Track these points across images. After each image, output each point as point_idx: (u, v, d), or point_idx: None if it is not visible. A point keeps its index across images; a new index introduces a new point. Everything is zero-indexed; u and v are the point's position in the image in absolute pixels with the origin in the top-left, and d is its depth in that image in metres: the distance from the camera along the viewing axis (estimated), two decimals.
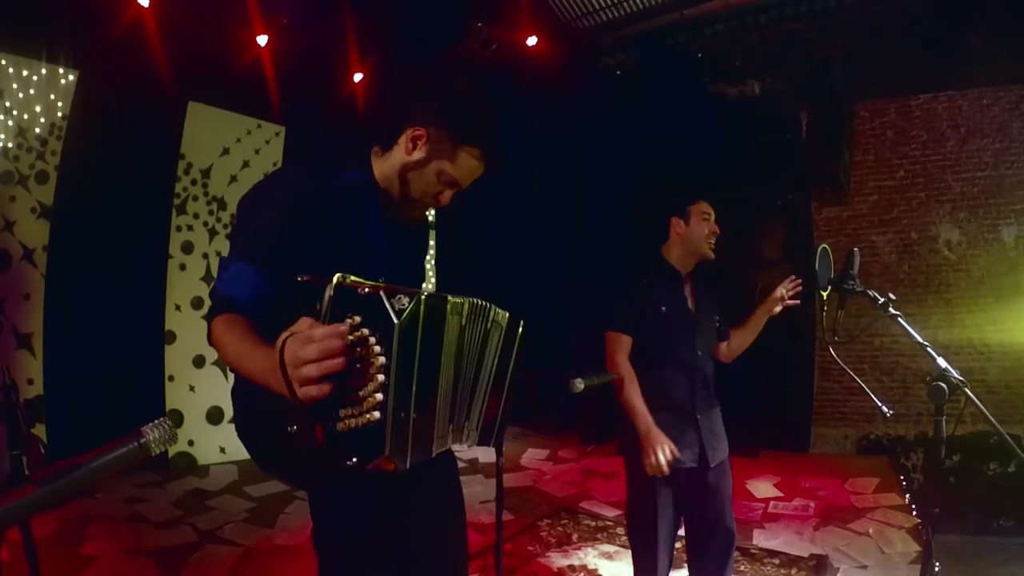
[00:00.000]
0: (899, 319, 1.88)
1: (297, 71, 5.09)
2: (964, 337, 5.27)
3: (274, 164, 5.44)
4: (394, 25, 5.29)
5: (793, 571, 3.19)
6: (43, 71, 4.21)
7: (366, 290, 1.01)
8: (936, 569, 1.73)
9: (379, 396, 1.00)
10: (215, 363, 5.07)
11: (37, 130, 4.20)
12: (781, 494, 4.33)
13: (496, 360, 1.33)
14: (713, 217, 2.35)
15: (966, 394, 1.67)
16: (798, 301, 2.30)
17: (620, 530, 3.66)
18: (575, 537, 3.67)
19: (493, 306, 1.31)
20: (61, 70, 4.28)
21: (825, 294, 2.06)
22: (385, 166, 1.45)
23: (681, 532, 2.39)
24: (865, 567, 3.22)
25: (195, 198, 5.07)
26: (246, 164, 5.33)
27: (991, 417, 1.66)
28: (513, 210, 6.83)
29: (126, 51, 4.26)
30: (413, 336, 1.04)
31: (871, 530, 3.65)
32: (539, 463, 5.32)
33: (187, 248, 5.03)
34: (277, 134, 5.51)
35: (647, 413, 2.19)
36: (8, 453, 1.56)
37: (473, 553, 1.61)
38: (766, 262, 5.75)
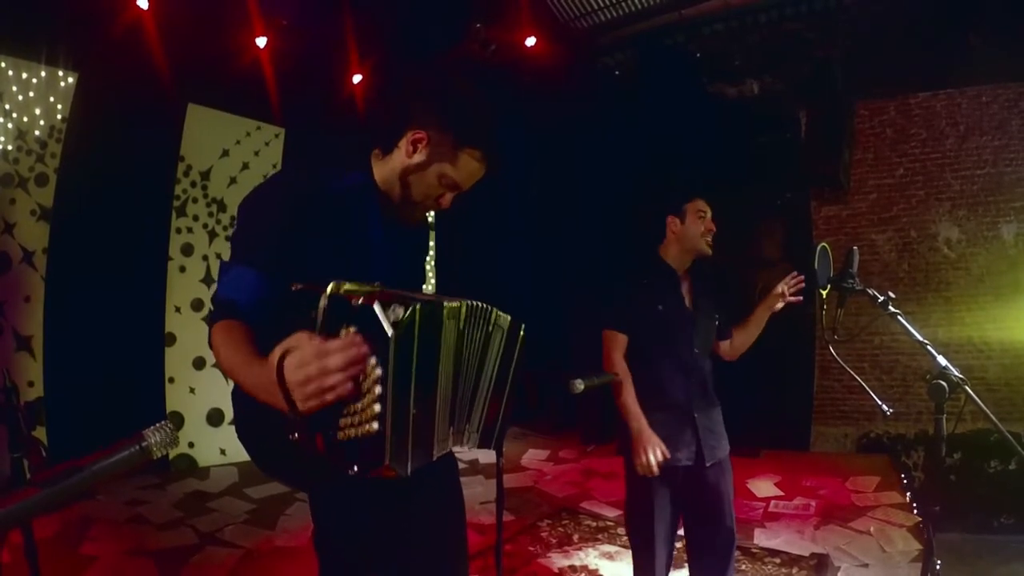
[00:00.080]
0: (899, 317, 1.89)
1: (297, 73, 5.10)
2: (964, 335, 5.27)
3: (274, 166, 5.44)
4: (394, 26, 5.29)
5: (794, 570, 3.19)
6: (42, 73, 4.22)
7: (360, 301, 1.00)
8: (937, 567, 1.73)
9: (377, 407, 0.99)
10: (215, 365, 5.05)
11: (37, 132, 4.20)
12: (782, 493, 4.33)
13: (498, 363, 1.33)
14: (709, 215, 2.35)
15: (966, 392, 1.67)
16: (800, 298, 2.29)
17: (621, 530, 3.66)
18: (576, 537, 3.67)
19: (495, 309, 1.31)
20: (61, 72, 4.28)
21: (825, 293, 2.06)
22: (386, 169, 1.45)
23: (682, 532, 2.39)
24: (866, 566, 3.22)
25: (195, 200, 5.07)
26: (246, 166, 5.33)
27: (991, 415, 1.66)
28: (513, 210, 6.83)
29: (125, 53, 4.27)
30: (409, 347, 1.03)
31: (872, 529, 3.65)
32: (539, 463, 5.32)
33: (187, 250, 5.03)
34: (277, 136, 5.51)
35: (640, 413, 2.19)
36: (9, 455, 1.56)
37: (473, 553, 1.61)
38: (766, 262, 5.75)
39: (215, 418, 5.01)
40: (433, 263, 6.38)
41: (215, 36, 4.61)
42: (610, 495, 4.25)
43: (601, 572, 3.23)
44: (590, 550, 3.48)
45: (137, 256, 4.68)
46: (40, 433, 3.96)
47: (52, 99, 4.27)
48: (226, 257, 1.32)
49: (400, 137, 1.41)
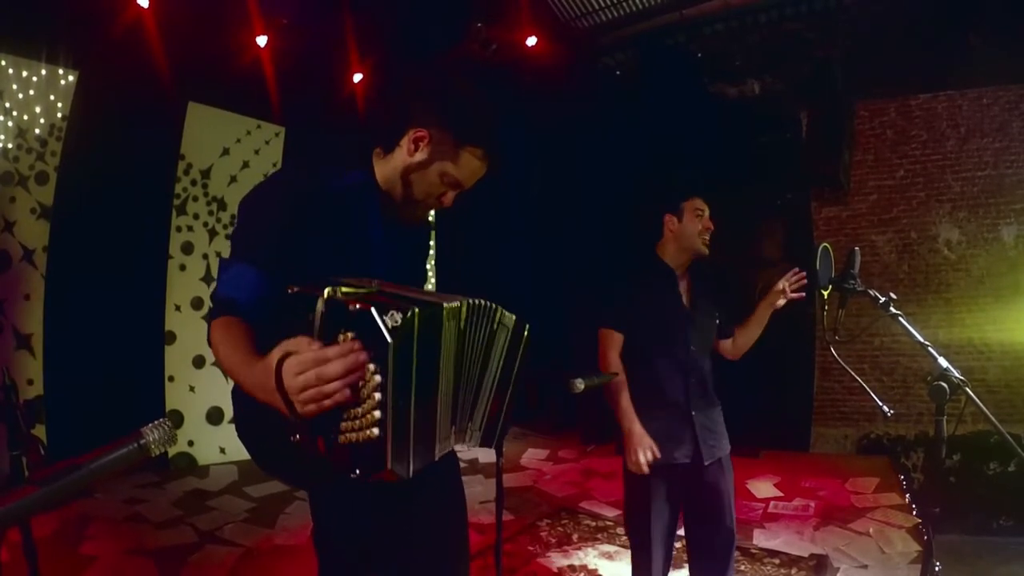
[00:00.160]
0: (900, 318, 1.89)
1: (297, 71, 5.09)
2: (964, 336, 5.27)
3: (274, 164, 5.44)
4: (394, 25, 5.29)
5: (793, 571, 3.19)
6: (43, 72, 4.21)
7: (357, 306, 1.00)
8: (936, 569, 1.73)
9: (377, 414, 0.99)
10: (215, 364, 5.06)
11: (37, 131, 4.20)
12: (781, 494, 4.33)
13: (502, 362, 1.33)
14: (707, 213, 2.35)
15: (967, 393, 1.67)
16: (803, 294, 2.28)
17: (620, 530, 3.66)
18: (575, 537, 3.67)
19: (500, 308, 1.30)
20: (61, 71, 4.28)
21: (826, 293, 2.06)
22: (387, 168, 1.45)
23: (682, 532, 2.39)
24: (865, 567, 3.22)
25: (195, 198, 5.07)
26: (246, 164, 5.33)
27: (991, 416, 1.66)
28: (513, 210, 6.83)
29: (126, 52, 4.26)
30: (408, 353, 1.03)
31: (871, 530, 3.65)
32: (539, 463, 5.32)
33: (187, 248, 5.03)
34: (277, 134, 5.51)
35: (632, 412, 2.19)
36: (8, 454, 1.56)
37: (473, 553, 1.61)
38: (766, 262, 5.75)
39: (215, 416, 5.01)
40: (433, 263, 6.37)
41: (215, 35, 4.61)
42: (610, 495, 4.25)
43: (600, 572, 3.22)
44: (589, 550, 3.48)
45: (137, 254, 4.68)
46: (39, 431, 3.97)
47: (52, 97, 4.27)
48: (226, 255, 1.32)
49: (401, 136, 1.41)
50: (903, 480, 4.58)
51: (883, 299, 1.92)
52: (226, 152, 5.23)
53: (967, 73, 5.19)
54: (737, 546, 2.38)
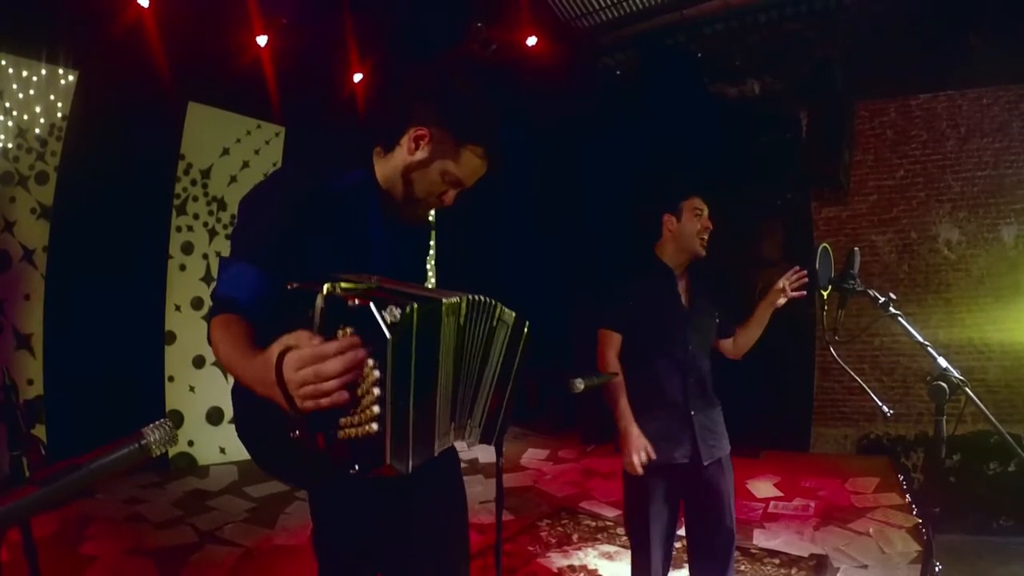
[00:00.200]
0: (899, 318, 1.88)
1: (297, 71, 5.09)
2: (964, 336, 5.27)
3: (274, 164, 5.44)
4: (394, 25, 5.29)
5: (793, 571, 3.19)
6: (43, 72, 4.21)
7: (355, 302, 1.00)
8: (937, 569, 1.73)
9: (376, 409, 0.99)
10: (215, 364, 5.07)
11: (37, 131, 4.20)
12: (781, 494, 4.33)
13: (501, 358, 1.33)
14: (706, 213, 2.34)
15: (966, 393, 1.67)
16: (803, 292, 2.28)
17: (620, 530, 3.66)
18: (575, 537, 3.67)
19: (499, 304, 1.30)
20: (61, 71, 4.28)
21: (826, 293, 2.06)
22: (388, 167, 1.45)
23: (682, 532, 2.39)
24: (865, 567, 3.22)
25: (195, 198, 5.07)
26: (246, 164, 5.33)
27: (991, 416, 1.66)
28: (513, 210, 6.83)
29: (126, 51, 4.26)
30: (407, 347, 1.03)
31: (871, 530, 3.65)
32: (539, 463, 5.32)
33: (187, 248, 5.03)
34: (277, 134, 5.51)
35: (629, 413, 2.20)
36: (8, 454, 1.56)
37: (473, 553, 1.60)
38: (766, 262, 5.75)
39: (215, 416, 5.01)
40: (433, 263, 6.37)
41: (215, 35, 4.61)
42: (610, 495, 4.25)
43: (600, 572, 3.22)
44: (589, 550, 3.48)
45: (137, 254, 4.68)
46: (40, 431, 3.96)
47: (52, 97, 4.27)
48: (226, 255, 1.32)
49: (402, 135, 1.41)
50: (903, 480, 4.58)
51: (883, 299, 1.92)
52: (226, 152, 5.23)
53: (967, 73, 5.19)
54: (737, 546, 2.38)
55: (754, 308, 2.39)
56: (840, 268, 2.04)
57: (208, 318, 1.26)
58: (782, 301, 2.29)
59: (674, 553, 2.36)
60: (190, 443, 4.87)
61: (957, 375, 1.69)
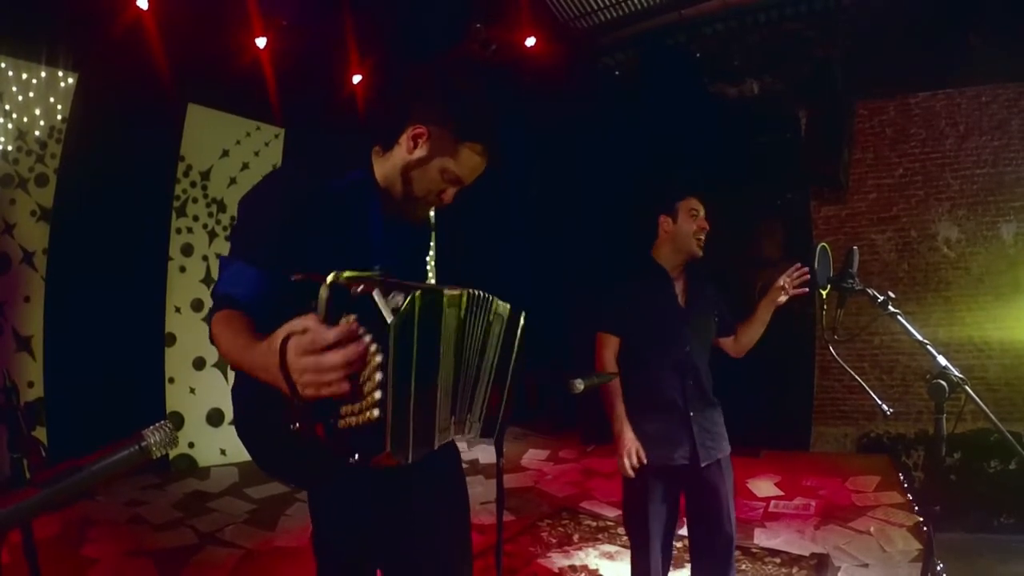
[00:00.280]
0: (899, 317, 1.88)
1: (296, 72, 5.09)
2: (964, 335, 5.27)
3: (273, 166, 5.44)
4: (394, 25, 5.29)
5: (794, 570, 3.19)
6: (43, 74, 4.21)
7: (359, 289, 1.01)
8: (938, 567, 1.73)
9: (378, 394, 1.00)
10: (215, 365, 5.07)
11: (37, 133, 4.20)
12: (782, 493, 4.33)
13: (498, 352, 1.33)
14: (702, 213, 2.34)
15: (966, 392, 1.67)
16: (806, 289, 2.28)
17: (621, 530, 3.66)
18: (576, 537, 3.67)
19: (494, 298, 1.31)
20: (61, 73, 4.28)
21: (825, 293, 2.06)
22: (387, 165, 1.45)
23: (684, 531, 2.39)
24: (866, 565, 3.22)
25: (195, 200, 5.07)
26: (246, 166, 5.33)
27: (991, 415, 1.66)
28: (513, 210, 6.83)
29: (125, 53, 4.27)
30: (409, 333, 1.04)
31: (872, 528, 3.65)
32: (540, 463, 5.32)
33: (187, 250, 5.03)
34: (277, 136, 5.52)
35: (623, 415, 2.21)
36: (9, 456, 1.56)
37: (474, 554, 1.60)
38: (766, 261, 5.75)
39: (215, 418, 5.01)
40: (433, 263, 6.37)
41: (215, 36, 4.61)
42: (610, 495, 4.25)
43: (601, 572, 3.22)
44: (590, 550, 3.48)
45: (137, 256, 4.68)
46: (40, 433, 3.96)
47: (52, 99, 4.27)
48: (226, 255, 1.32)
49: (400, 133, 1.42)
50: (903, 479, 4.58)
51: (882, 298, 1.92)
52: (226, 154, 5.23)
53: (966, 72, 5.19)
54: (738, 545, 2.38)
55: (755, 307, 2.39)
56: (839, 267, 2.04)
57: (209, 317, 1.27)
58: (783, 299, 2.29)
59: (676, 553, 2.36)
60: (190, 445, 4.87)
61: (957, 373, 1.69)
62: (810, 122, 5.58)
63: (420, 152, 1.40)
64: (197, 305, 5.01)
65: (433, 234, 6.18)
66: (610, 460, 2.29)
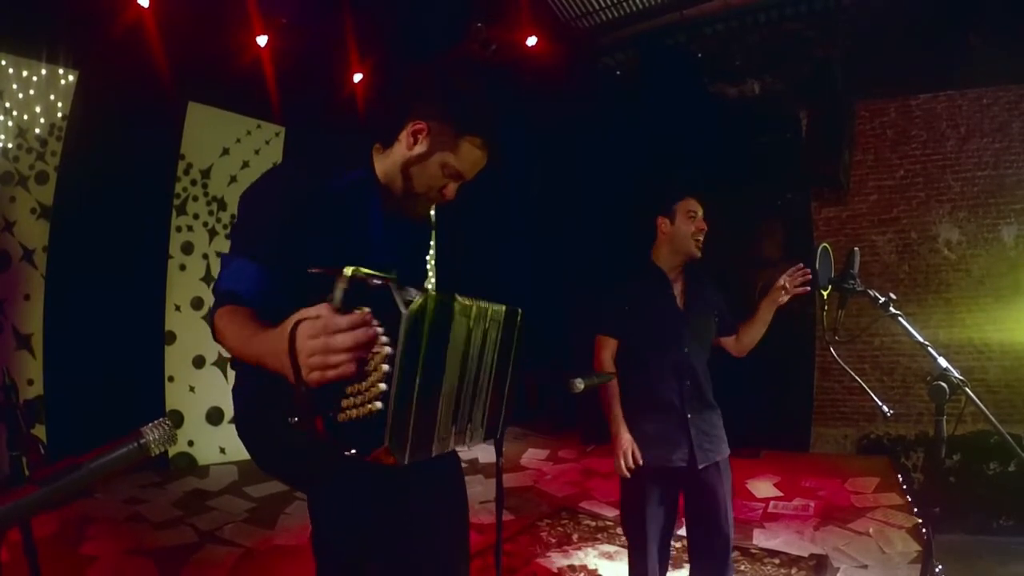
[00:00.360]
0: (899, 318, 1.88)
1: (297, 71, 5.09)
2: (964, 336, 5.27)
3: (274, 164, 5.43)
4: (394, 25, 5.29)
5: (793, 571, 3.19)
6: (43, 71, 4.21)
7: (377, 282, 1.02)
8: (937, 569, 1.73)
9: (382, 386, 1.00)
10: (215, 363, 5.07)
11: (37, 131, 4.20)
12: (781, 494, 4.33)
13: (496, 355, 1.33)
14: (700, 214, 2.34)
15: (966, 393, 1.67)
16: (807, 288, 2.27)
17: (620, 530, 3.65)
18: (575, 537, 3.67)
19: (490, 306, 1.31)
20: (61, 70, 4.28)
21: (825, 294, 2.06)
22: (387, 163, 1.45)
23: (683, 532, 2.39)
24: (865, 567, 3.22)
25: (195, 198, 5.07)
26: (246, 164, 5.33)
27: (991, 417, 1.66)
28: (513, 210, 6.83)
29: (126, 51, 4.26)
30: (419, 328, 1.04)
31: (871, 530, 3.65)
32: (539, 463, 5.32)
33: (187, 248, 5.03)
34: (277, 134, 5.51)
35: (620, 416, 2.22)
36: (8, 454, 1.56)
37: (473, 553, 1.60)
38: (766, 262, 5.75)
39: (215, 416, 5.01)
40: (433, 263, 6.37)
41: (215, 34, 4.61)
42: (609, 495, 4.25)
43: (600, 572, 3.22)
44: (589, 550, 3.48)
45: (137, 254, 4.68)
46: (39, 431, 3.96)
47: (52, 97, 4.27)
48: (227, 253, 1.32)
49: (400, 130, 1.41)
50: (903, 480, 4.58)
51: (882, 299, 1.92)
52: (226, 152, 5.23)
53: (967, 73, 5.19)
54: (737, 546, 2.39)
55: (756, 307, 2.39)
56: (840, 268, 2.04)
57: (211, 313, 1.27)
58: (784, 299, 2.29)
59: (675, 553, 2.36)
60: (190, 443, 4.87)
61: (957, 375, 1.69)
62: (811, 122, 5.58)
63: (420, 148, 1.40)
64: (197, 303, 5.01)
65: (433, 233, 6.18)
66: (609, 460, 2.29)
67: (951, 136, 5.43)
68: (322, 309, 1.01)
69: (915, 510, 3.89)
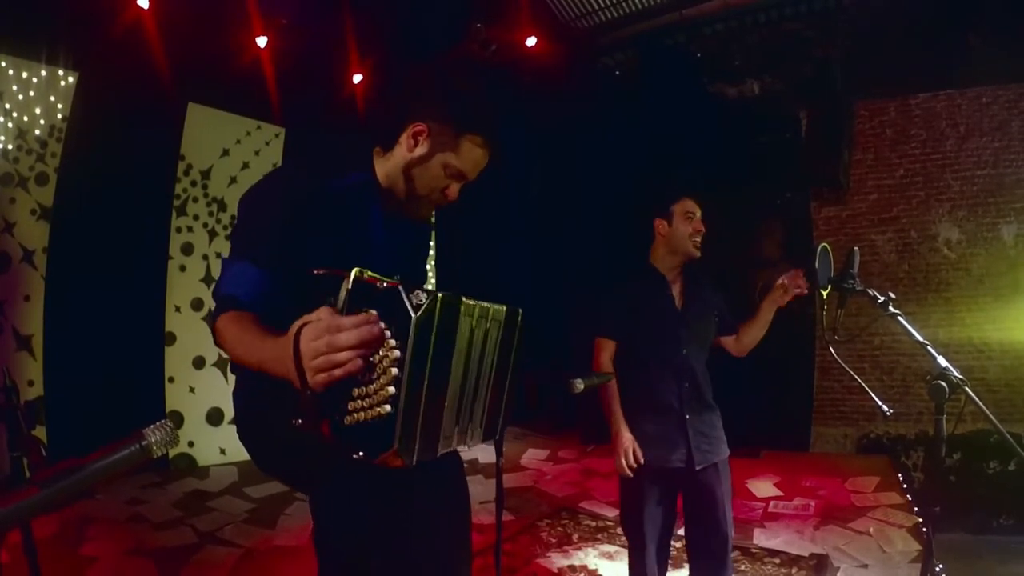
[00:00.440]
0: (899, 318, 1.88)
1: (297, 72, 5.09)
2: (964, 336, 5.27)
3: (274, 165, 5.44)
4: (394, 25, 5.29)
5: (794, 570, 3.19)
6: (43, 73, 4.21)
7: (384, 285, 1.02)
8: (938, 568, 1.73)
9: (391, 389, 1.00)
10: (215, 364, 5.07)
11: (37, 132, 4.20)
12: (781, 493, 4.33)
13: (496, 355, 1.33)
14: (698, 215, 2.34)
15: (966, 393, 1.67)
16: (805, 291, 2.28)
17: (620, 530, 3.66)
18: (575, 537, 3.67)
19: (491, 307, 1.31)
20: (61, 72, 4.28)
21: (825, 293, 2.06)
22: (388, 165, 1.45)
23: (682, 532, 2.40)
24: (866, 566, 3.22)
25: (195, 199, 5.07)
26: (246, 165, 5.33)
27: (991, 416, 1.66)
28: (513, 210, 6.83)
29: (126, 52, 4.26)
30: (428, 331, 1.04)
31: (871, 529, 3.65)
32: (539, 463, 5.32)
33: (187, 249, 5.03)
34: (277, 135, 5.51)
35: (620, 416, 2.22)
36: (9, 455, 1.56)
37: (474, 553, 1.60)
38: (766, 262, 5.74)
39: (215, 417, 5.01)
40: (433, 263, 6.37)
41: (215, 35, 4.61)
42: (609, 495, 4.25)
43: (600, 572, 3.23)
44: (589, 550, 3.48)
45: (137, 255, 4.68)
46: (40, 432, 3.96)
47: (52, 98, 4.27)
48: (226, 256, 1.32)
49: (400, 132, 1.41)
50: (903, 479, 4.58)
51: (882, 299, 1.92)
52: (226, 153, 5.23)
53: (967, 72, 5.19)
54: (737, 545, 2.39)
55: (755, 308, 2.39)
56: (839, 268, 2.04)
57: (212, 318, 1.27)
58: (785, 299, 2.29)
59: (675, 553, 2.36)
60: (190, 444, 4.87)
61: (957, 374, 1.69)
62: (810, 122, 5.58)
63: (421, 149, 1.40)
64: (197, 304, 5.01)
65: (433, 234, 6.18)
66: (609, 460, 2.29)
67: (951, 135, 5.43)
68: (323, 312, 1.01)
69: (915, 509, 3.89)
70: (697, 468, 2.23)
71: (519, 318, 1.35)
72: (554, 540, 3.64)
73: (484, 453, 5.02)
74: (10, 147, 4.10)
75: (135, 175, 4.52)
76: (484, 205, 5.83)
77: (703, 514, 2.28)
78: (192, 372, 4.97)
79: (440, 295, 1.06)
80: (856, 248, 2.07)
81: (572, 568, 3.26)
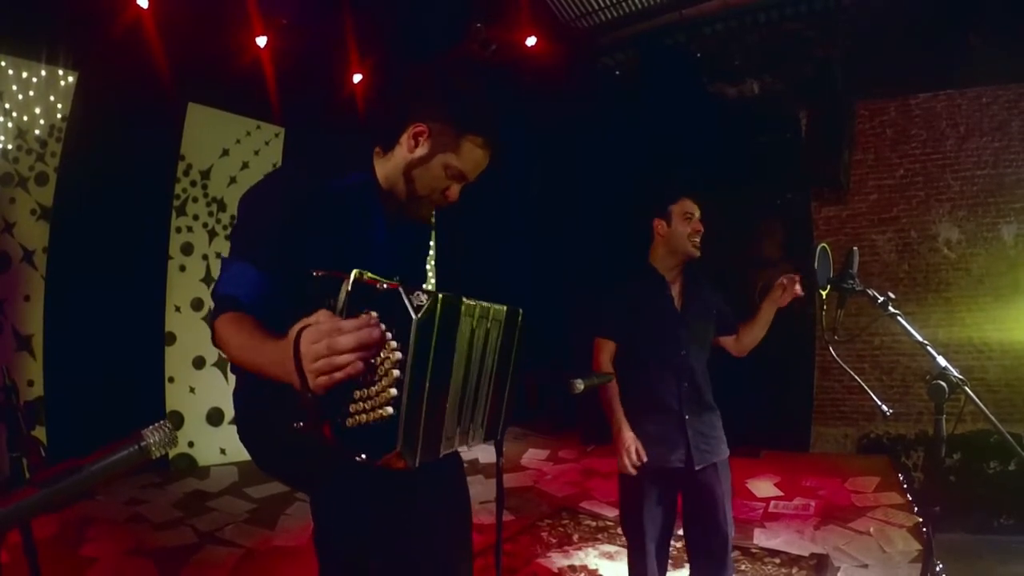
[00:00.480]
0: (899, 318, 1.88)
1: (297, 72, 5.09)
2: (964, 336, 5.27)
3: (274, 165, 5.44)
4: (394, 25, 5.29)
5: (794, 570, 3.19)
6: (43, 73, 4.21)
7: (384, 286, 1.02)
8: (938, 568, 1.73)
9: (393, 391, 1.00)
10: (215, 364, 5.07)
11: (37, 132, 4.20)
12: (781, 493, 4.33)
13: (497, 355, 1.33)
14: (697, 215, 2.34)
15: (966, 392, 1.67)
16: (801, 293, 2.28)
17: (620, 530, 3.66)
18: (576, 537, 3.67)
19: (492, 306, 1.31)
20: (61, 71, 4.28)
21: (825, 293, 2.06)
22: (388, 166, 1.45)
23: (682, 532, 2.40)
24: (866, 566, 3.22)
25: (195, 199, 5.07)
26: (246, 165, 5.33)
27: (991, 416, 1.66)
28: (513, 210, 6.83)
29: (126, 52, 4.26)
30: (429, 332, 1.04)
31: (872, 529, 3.65)
32: (539, 463, 5.32)
33: (187, 249, 5.03)
34: (277, 135, 5.51)
35: (622, 415, 2.22)
36: (8, 455, 1.56)
37: (474, 553, 1.60)
38: (766, 262, 5.75)
39: (215, 417, 5.01)
40: (433, 263, 6.37)
41: (215, 35, 4.61)
42: (610, 495, 4.25)
43: (601, 572, 3.23)
44: (590, 550, 3.48)
45: (137, 255, 4.68)
46: (40, 433, 3.96)
47: (52, 98, 4.27)
48: (226, 256, 1.32)
49: (400, 133, 1.41)
50: (903, 479, 4.58)
51: (881, 299, 1.92)
52: (226, 153, 5.23)
53: (967, 72, 5.19)
54: (738, 545, 2.39)
55: (756, 308, 2.39)
56: (839, 268, 2.04)
57: (211, 318, 1.26)
58: (786, 300, 2.29)
59: (675, 553, 2.36)
60: (190, 444, 4.87)
61: (956, 374, 1.69)
62: (810, 122, 5.58)
63: (421, 150, 1.40)
64: (197, 304, 5.01)
65: (433, 234, 6.18)
66: (610, 460, 2.29)
67: (951, 135, 5.43)
68: (322, 315, 1.01)
69: (915, 509, 3.89)
70: (696, 468, 2.23)
71: (519, 318, 1.35)
72: (554, 540, 3.64)
73: (484, 453, 5.02)
74: (10, 147, 4.10)
75: (135, 175, 4.52)
76: (484, 205, 5.83)
77: (703, 514, 2.28)
78: (192, 372, 4.97)
79: (441, 296, 1.05)
80: (855, 248, 2.07)
81: (572, 568, 3.26)
